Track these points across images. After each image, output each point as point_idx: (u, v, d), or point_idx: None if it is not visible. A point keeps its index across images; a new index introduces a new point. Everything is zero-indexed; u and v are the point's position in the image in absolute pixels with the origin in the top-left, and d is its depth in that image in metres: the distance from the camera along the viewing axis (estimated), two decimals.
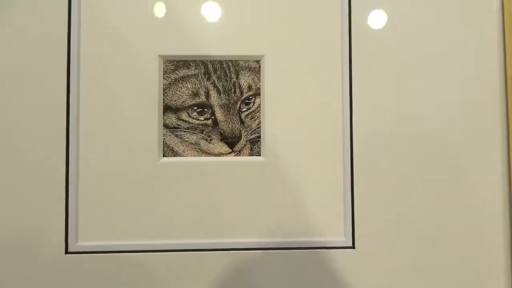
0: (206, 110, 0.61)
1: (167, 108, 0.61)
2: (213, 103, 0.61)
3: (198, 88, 0.61)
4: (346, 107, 0.61)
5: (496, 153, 0.62)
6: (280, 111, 0.61)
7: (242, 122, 0.61)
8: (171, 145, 0.61)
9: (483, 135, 0.62)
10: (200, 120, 0.61)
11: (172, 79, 0.61)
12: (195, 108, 0.60)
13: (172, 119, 0.61)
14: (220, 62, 0.61)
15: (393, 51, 0.62)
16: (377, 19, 0.64)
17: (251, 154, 0.61)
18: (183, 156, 0.61)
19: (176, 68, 0.61)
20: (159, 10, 0.63)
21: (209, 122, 0.61)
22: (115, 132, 0.60)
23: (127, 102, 0.60)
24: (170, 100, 0.61)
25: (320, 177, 0.61)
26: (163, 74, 0.60)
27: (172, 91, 0.61)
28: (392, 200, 0.61)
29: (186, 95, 0.61)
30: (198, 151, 0.61)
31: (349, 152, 0.61)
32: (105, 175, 0.59)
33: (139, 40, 0.60)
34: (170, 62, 0.61)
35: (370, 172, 0.61)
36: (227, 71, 0.61)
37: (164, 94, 0.60)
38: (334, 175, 0.61)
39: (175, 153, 0.61)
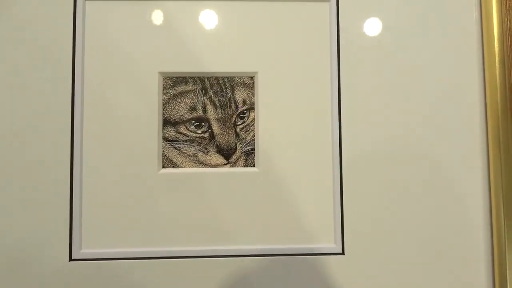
0: (203, 123, 0.62)
1: (167, 122, 0.62)
2: (210, 117, 0.62)
3: (196, 103, 0.62)
4: (335, 120, 0.63)
5: (478, 168, 0.64)
6: (273, 124, 0.62)
7: (237, 135, 0.62)
8: (170, 157, 0.62)
9: (467, 149, 0.64)
10: (197, 133, 0.62)
11: (171, 94, 0.62)
12: (193, 122, 0.62)
13: (171, 132, 0.62)
14: (217, 78, 0.62)
15: (381, 69, 0.64)
16: (365, 37, 0.67)
17: (245, 165, 0.62)
18: (181, 167, 0.62)
19: (175, 84, 0.62)
20: (160, 30, 0.63)
21: (206, 135, 0.62)
22: (117, 144, 0.61)
23: (129, 116, 0.61)
24: (169, 114, 0.62)
25: (311, 187, 0.62)
26: (163, 90, 0.62)
27: (171, 106, 0.62)
28: (380, 208, 0.62)
29: (184, 110, 0.62)
30: (195, 163, 0.62)
31: (339, 163, 0.62)
32: (108, 185, 0.60)
33: (140, 58, 0.62)
34: (169, 79, 0.62)
35: (359, 182, 0.62)
36: (223, 87, 0.62)
37: (163, 109, 0.62)
38: (324, 185, 0.62)
39: (174, 165, 0.62)
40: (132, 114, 0.61)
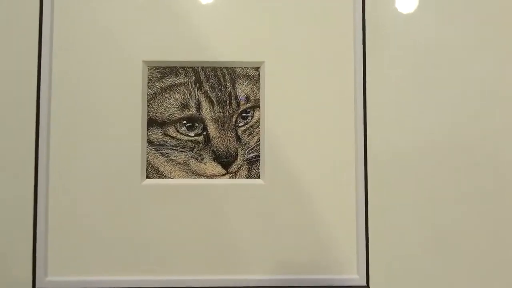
0: (197, 124, 0.56)
1: (152, 122, 0.56)
2: (205, 117, 0.56)
3: (188, 99, 0.55)
4: (359, 121, 0.56)
5: None
6: (283, 126, 0.56)
7: (238, 138, 0.56)
8: (156, 164, 0.56)
9: None
10: (190, 136, 0.56)
11: (158, 88, 0.56)
12: (184, 122, 0.56)
13: (157, 134, 0.55)
14: (214, 69, 0.56)
15: (414, 57, 0.57)
16: (397, 17, 0.58)
17: (249, 177, 0.56)
18: (169, 177, 0.56)
19: (162, 75, 0.56)
20: (144, 9, 0.56)
21: (200, 138, 0.56)
22: (91, 149, 0.55)
23: (106, 115, 0.55)
24: (156, 112, 0.56)
25: (329, 204, 0.55)
26: (148, 83, 0.56)
27: (157, 103, 0.56)
28: (414, 231, 0.56)
29: (174, 107, 0.55)
30: (187, 172, 0.56)
31: (363, 175, 0.56)
32: (79, 200, 0.54)
33: (120, 43, 0.55)
34: (155, 69, 0.56)
35: (388, 198, 0.56)
36: (222, 80, 0.56)
37: (148, 106, 0.56)
38: (346, 201, 0.55)
39: (160, 174, 0.56)
40: (110, 112, 0.55)
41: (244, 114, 0.56)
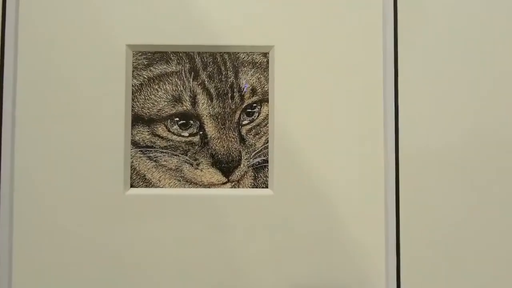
0: (191, 122, 0.48)
1: (138, 119, 0.48)
2: (202, 113, 0.48)
3: (181, 91, 0.47)
4: (390, 119, 0.48)
5: None
6: (296, 124, 0.47)
7: (242, 139, 0.48)
8: (142, 171, 0.48)
9: None
10: (183, 136, 0.48)
11: (144, 78, 0.48)
12: (177, 119, 0.48)
13: (144, 134, 0.48)
14: (213, 55, 0.48)
15: (453, 45, 0.49)
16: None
17: (254, 186, 0.48)
18: (158, 186, 0.48)
19: (150, 62, 0.48)
20: None
21: (196, 139, 0.48)
22: (62, 152, 0.47)
23: (81, 111, 0.47)
24: (142, 107, 0.48)
25: (353, 216, 0.47)
26: (133, 72, 0.48)
27: (144, 95, 0.48)
28: (451, 243, 0.48)
29: (164, 101, 0.47)
30: (179, 180, 0.48)
31: (394, 183, 0.48)
32: (49, 211, 0.46)
33: (97, 24, 0.47)
34: (142, 55, 0.48)
35: (422, 212, 0.48)
36: (222, 68, 0.48)
37: (133, 100, 0.48)
38: (373, 216, 0.47)
39: (147, 182, 0.48)
40: (86, 108, 0.47)
41: (249, 110, 0.48)
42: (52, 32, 0.46)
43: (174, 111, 0.47)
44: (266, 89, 0.47)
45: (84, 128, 0.46)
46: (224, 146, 0.47)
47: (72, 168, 0.46)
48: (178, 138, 0.47)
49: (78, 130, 0.46)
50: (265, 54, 0.47)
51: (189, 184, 0.47)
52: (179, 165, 0.47)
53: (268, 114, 0.47)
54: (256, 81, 0.47)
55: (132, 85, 0.47)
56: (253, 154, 0.47)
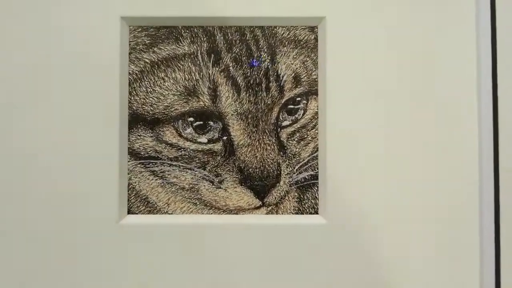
0: (212, 123, 0.35)
1: (137, 120, 0.35)
2: (226, 110, 0.35)
3: (197, 80, 0.35)
4: (486, 122, 0.35)
5: None
6: (356, 125, 0.35)
7: (282, 147, 0.35)
8: (144, 191, 0.35)
9: None
10: (200, 143, 0.35)
11: (146, 62, 0.35)
12: (191, 119, 0.35)
13: (146, 140, 0.35)
14: (240, 30, 0.35)
15: None
16: None
17: (300, 211, 0.36)
18: (166, 212, 0.36)
19: (154, 41, 0.35)
20: None
21: (218, 147, 0.35)
22: (36, 165, 0.34)
23: (62, 108, 0.35)
24: (143, 104, 0.35)
25: (439, 263, 0.34)
26: (130, 54, 0.35)
27: (146, 87, 0.35)
28: None
29: (174, 95, 0.35)
30: (195, 204, 0.36)
31: (493, 201, 0.35)
32: (23, 243, 0.34)
33: None
34: (142, 31, 0.35)
35: None
36: (254, 49, 0.35)
37: (131, 93, 0.35)
38: (467, 249, 0.34)
39: (151, 207, 0.36)
40: (68, 103, 0.35)
41: (292, 106, 0.35)
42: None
43: (188, 108, 0.34)
44: (314, 77, 0.35)
45: (64, 131, 0.34)
46: (256, 157, 0.34)
47: (49, 187, 0.33)
48: (194, 146, 0.34)
49: (55, 134, 0.33)
50: (313, 29, 0.35)
51: (209, 209, 0.35)
52: (195, 183, 0.34)
53: (317, 112, 0.35)
54: (300, 66, 0.35)
55: (130, 72, 0.34)
56: (297, 167, 0.35)
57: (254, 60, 0.35)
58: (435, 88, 0.34)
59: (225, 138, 0.35)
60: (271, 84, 0.35)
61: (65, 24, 0.34)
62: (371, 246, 0.34)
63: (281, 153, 0.35)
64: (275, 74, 0.35)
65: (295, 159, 0.35)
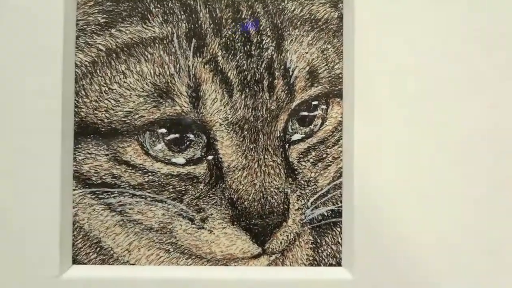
0: (192, 136, 0.26)
1: (87, 132, 0.26)
2: (212, 119, 0.26)
3: (172, 75, 0.26)
4: None
5: None
6: (396, 139, 0.25)
7: (291, 171, 0.26)
8: (96, 231, 0.26)
9: None
10: (175, 164, 0.26)
11: (101, 50, 0.26)
12: (163, 131, 0.26)
13: (99, 160, 0.26)
14: (233, 4, 0.26)
15: None
16: None
17: (315, 262, 0.26)
18: (127, 262, 0.26)
19: (111, 21, 0.26)
20: None
21: (201, 170, 0.26)
22: None
23: None
24: (96, 109, 0.26)
25: None
26: (77, 38, 0.26)
27: (100, 85, 0.26)
28: None
29: (139, 96, 0.26)
30: (168, 251, 0.26)
31: None
32: None
33: None
34: (95, 5, 0.26)
35: None
36: (251, 31, 0.26)
37: (78, 93, 0.26)
38: None
39: (104, 255, 0.26)
40: None
41: (305, 113, 0.26)
42: None
43: (158, 115, 0.25)
44: (337, 71, 0.25)
45: None
46: (255, 185, 0.25)
47: None
48: (166, 169, 0.25)
49: None
50: (336, 4, 0.25)
51: (187, 258, 0.25)
52: (168, 221, 0.25)
53: (341, 122, 0.25)
54: (317, 57, 0.25)
55: (77, 64, 0.25)
56: (312, 200, 0.25)
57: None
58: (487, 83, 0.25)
59: (210, 157, 0.25)
60: (276, 81, 0.25)
61: None
62: None
63: (290, 179, 0.25)
64: (282, 67, 0.25)
65: (310, 188, 0.26)
